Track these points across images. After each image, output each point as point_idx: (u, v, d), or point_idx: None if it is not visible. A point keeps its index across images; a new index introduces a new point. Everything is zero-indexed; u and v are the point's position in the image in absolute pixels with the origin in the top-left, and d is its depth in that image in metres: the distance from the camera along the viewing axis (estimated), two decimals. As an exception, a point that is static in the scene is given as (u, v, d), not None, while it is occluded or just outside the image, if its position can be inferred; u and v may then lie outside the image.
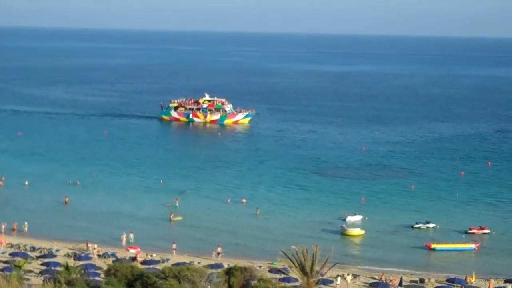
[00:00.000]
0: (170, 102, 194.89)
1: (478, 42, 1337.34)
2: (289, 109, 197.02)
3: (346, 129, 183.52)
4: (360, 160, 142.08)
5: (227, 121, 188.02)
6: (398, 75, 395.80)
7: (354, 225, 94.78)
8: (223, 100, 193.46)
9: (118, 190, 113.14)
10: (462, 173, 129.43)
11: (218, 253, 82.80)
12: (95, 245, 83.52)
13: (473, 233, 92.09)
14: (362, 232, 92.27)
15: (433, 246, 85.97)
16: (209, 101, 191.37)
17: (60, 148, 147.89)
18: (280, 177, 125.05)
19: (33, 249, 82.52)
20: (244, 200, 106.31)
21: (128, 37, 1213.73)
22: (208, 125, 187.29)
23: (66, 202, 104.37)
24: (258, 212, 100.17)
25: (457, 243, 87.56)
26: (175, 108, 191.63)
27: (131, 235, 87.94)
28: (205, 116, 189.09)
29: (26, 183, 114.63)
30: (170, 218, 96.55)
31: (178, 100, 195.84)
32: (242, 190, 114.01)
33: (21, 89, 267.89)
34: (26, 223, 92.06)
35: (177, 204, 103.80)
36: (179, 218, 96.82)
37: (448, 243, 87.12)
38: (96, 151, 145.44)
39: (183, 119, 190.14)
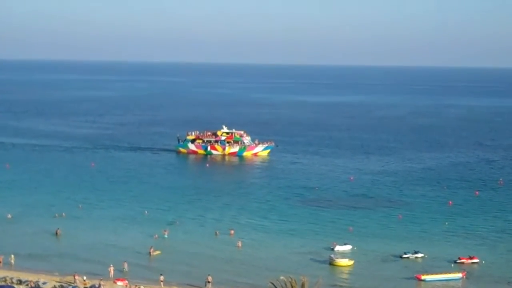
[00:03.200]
0: (187, 135, 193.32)
1: (464, 73, 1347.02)
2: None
3: (334, 159, 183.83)
4: (348, 189, 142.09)
5: (246, 153, 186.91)
6: (384, 106, 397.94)
7: (342, 255, 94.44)
8: (242, 132, 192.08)
9: (105, 222, 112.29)
10: (450, 202, 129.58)
11: (209, 282, 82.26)
12: (84, 277, 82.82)
13: (462, 262, 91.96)
14: (351, 262, 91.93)
15: (423, 277, 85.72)
16: (227, 133, 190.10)
17: (46, 180, 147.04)
18: (267, 207, 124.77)
19: (20, 282, 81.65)
20: (232, 232, 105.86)
21: (113, 68, 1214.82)
22: (226, 157, 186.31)
23: (57, 234, 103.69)
24: (240, 245, 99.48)
25: (446, 273, 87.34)
26: (193, 141, 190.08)
27: (125, 264, 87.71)
28: (224, 149, 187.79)
29: (9, 215, 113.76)
30: (149, 253, 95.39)
31: (195, 132, 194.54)
32: (230, 221, 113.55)
33: (6, 121, 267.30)
34: (12, 255, 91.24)
35: (166, 236, 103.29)
36: (158, 252, 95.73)
37: (437, 273, 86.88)
38: (84, 183, 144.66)
39: (201, 151, 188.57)
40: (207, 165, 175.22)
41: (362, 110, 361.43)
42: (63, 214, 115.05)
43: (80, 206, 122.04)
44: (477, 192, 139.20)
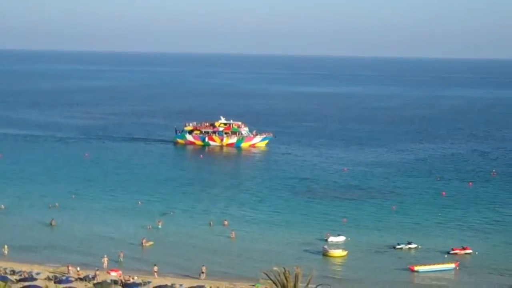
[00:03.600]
0: (185, 126, 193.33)
1: (456, 64, 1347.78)
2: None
3: (327, 150, 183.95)
4: (341, 181, 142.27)
5: (244, 144, 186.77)
6: (377, 97, 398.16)
7: (336, 246, 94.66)
8: (239, 123, 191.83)
9: (98, 213, 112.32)
10: (444, 193, 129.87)
11: (203, 272, 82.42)
12: (78, 268, 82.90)
13: (456, 253, 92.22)
14: (344, 253, 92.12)
15: (416, 268, 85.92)
16: (225, 124, 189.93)
17: (40, 171, 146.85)
18: (261, 198, 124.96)
19: (13, 272, 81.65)
20: (226, 222, 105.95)
21: (110, 59, 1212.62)
22: (224, 148, 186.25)
23: (52, 224, 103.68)
24: (233, 235, 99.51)
25: (439, 263, 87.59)
26: (190, 132, 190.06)
27: (121, 254, 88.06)
28: (222, 140, 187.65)
29: (2, 206, 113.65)
30: (142, 243, 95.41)
31: (193, 123, 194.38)
32: (223, 212, 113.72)
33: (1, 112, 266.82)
34: (6, 246, 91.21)
35: (160, 226, 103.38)
36: (151, 243, 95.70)
37: (430, 264, 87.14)
38: (77, 174, 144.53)
39: (198, 142, 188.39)
40: (201, 156, 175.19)
41: (356, 101, 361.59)
42: (57, 204, 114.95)
43: (73, 196, 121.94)
44: (470, 183, 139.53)
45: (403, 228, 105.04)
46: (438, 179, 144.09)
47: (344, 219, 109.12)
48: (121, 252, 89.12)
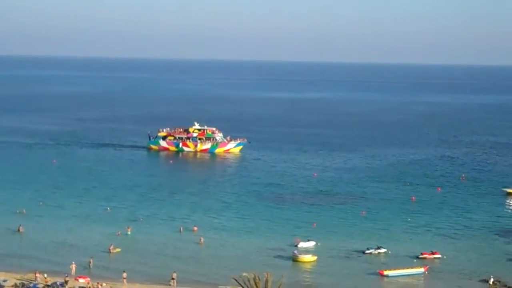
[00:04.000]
0: (158, 131, 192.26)
1: (427, 69, 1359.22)
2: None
3: (298, 156, 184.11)
4: (311, 186, 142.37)
5: (218, 150, 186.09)
6: (346, 102, 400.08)
7: (306, 251, 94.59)
8: (214, 129, 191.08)
9: (66, 219, 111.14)
10: (413, 198, 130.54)
11: (173, 279, 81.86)
12: (45, 275, 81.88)
13: (425, 257, 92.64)
14: (314, 258, 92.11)
15: (385, 272, 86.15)
16: (199, 130, 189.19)
17: (6, 177, 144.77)
18: (231, 204, 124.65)
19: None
20: (195, 228, 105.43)
21: (79, 64, 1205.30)
22: (198, 154, 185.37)
23: (19, 231, 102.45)
24: (201, 241, 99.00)
25: (408, 268, 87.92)
26: (164, 138, 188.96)
27: (91, 260, 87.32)
28: (196, 146, 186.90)
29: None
30: (109, 250, 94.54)
31: (167, 129, 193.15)
32: (193, 218, 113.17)
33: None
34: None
35: (129, 232, 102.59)
36: (118, 250, 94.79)
37: (399, 268, 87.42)
38: (45, 180, 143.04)
39: (172, 148, 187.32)
40: (171, 161, 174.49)
41: (326, 107, 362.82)
42: (24, 211, 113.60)
43: (40, 203, 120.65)
44: (439, 189, 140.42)
45: (373, 233, 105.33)
46: (408, 184, 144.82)
47: (314, 224, 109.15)
48: (91, 258, 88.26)
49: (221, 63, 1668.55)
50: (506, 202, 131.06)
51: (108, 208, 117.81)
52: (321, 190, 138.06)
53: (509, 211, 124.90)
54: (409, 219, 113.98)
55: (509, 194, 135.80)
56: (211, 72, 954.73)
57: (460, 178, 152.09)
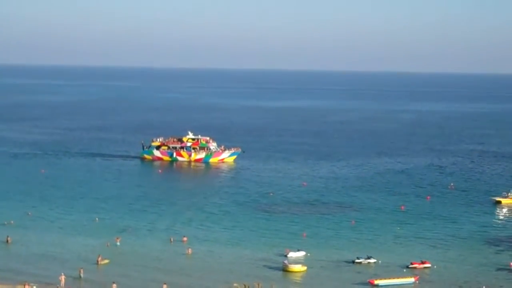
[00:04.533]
0: (152, 141, 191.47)
1: (416, 77, 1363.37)
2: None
3: (287, 165, 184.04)
4: (301, 195, 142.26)
5: (212, 160, 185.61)
6: (336, 111, 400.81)
7: (296, 261, 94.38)
8: (208, 138, 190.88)
9: (55, 230, 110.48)
10: (403, 207, 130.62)
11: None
12: (34, 286, 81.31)
13: (415, 267, 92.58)
14: (304, 268, 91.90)
15: (376, 282, 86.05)
16: (193, 139, 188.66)
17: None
18: (220, 214, 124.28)
19: (-33, 292, 79.88)
20: (185, 239, 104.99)
21: (66, 73, 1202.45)
22: (192, 164, 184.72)
23: (7, 242, 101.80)
24: (189, 252, 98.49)
25: (398, 277, 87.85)
26: (158, 147, 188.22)
27: (81, 271, 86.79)
28: (190, 155, 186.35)
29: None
30: (97, 261, 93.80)
31: (160, 139, 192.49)
32: (183, 228, 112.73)
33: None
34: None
35: (118, 243, 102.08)
36: (106, 261, 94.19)
37: (390, 278, 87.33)
38: (33, 190, 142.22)
39: (166, 158, 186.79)
40: (160, 171, 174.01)
41: (316, 115, 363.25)
42: (12, 222, 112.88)
43: (29, 213, 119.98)
44: (428, 197, 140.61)
45: (363, 243, 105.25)
46: (397, 193, 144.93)
47: (304, 234, 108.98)
48: (81, 268, 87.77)
49: (209, 71, 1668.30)
50: (495, 211, 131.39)
51: (96, 219, 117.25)
52: (311, 200, 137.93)
53: (498, 220, 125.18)
54: (398, 228, 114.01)
55: (497, 202, 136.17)
56: (199, 81, 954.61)
57: (449, 187, 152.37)
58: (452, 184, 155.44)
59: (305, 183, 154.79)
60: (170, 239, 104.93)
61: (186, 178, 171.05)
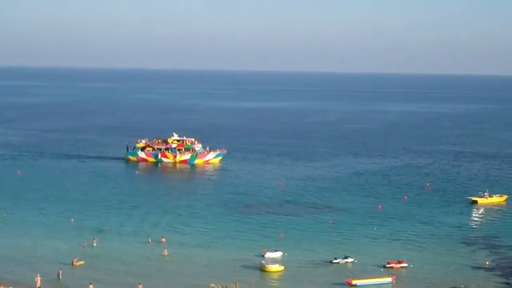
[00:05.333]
0: (136, 142, 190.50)
1: (392, 79, 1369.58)
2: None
3: (265, 165, 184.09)
4: (279, 196, 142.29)
5: (198, 161, 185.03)
6: (313, 111, 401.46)
7: (273, 261, 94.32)
8: (193, 139, 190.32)
9: (31, 231, 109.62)
10: (379, 207, 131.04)
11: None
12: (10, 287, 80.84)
13: (391, 267, 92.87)
14: (282, 268, 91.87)
15: (354, 282, 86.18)
16: (178, 140, 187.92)
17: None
18: (199, 214, 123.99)
19: None
20: (163, 239, 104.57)
21: (43, 74, 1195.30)
22: (178, 165, 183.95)
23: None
24: (165, 253, 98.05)
25: (376, 277, 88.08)
26: (142, 149, 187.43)
27: (60, 272, 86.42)
28: (175, 156, 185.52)
29: None
30: (72, 263, 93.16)
31: (145, 140, 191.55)
32: (161, 229, 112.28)
33: None
34: None
35: (95, 244, 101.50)
36: (82, 262, 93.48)
37: (367, 278, 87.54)
38: (8, 191, 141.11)
39: (151, 159, 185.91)
40: (136, 172, 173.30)
41: (293, 116, 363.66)
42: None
43: (4, 215, 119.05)
44: (405, 197, 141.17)
45: (340, 243, 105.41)
46: (374, 193, 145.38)
47: (282, 234, 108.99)
48: (60, 270, 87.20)
49: (187, 73, 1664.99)
50: (471, 210, 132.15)
51: (72, 220, 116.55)
52: (288, 200, 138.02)
53: (474, 219, 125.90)
54: (375, 229, 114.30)
55: (474, 202, 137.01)
56: (177, 82, 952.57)
57: (426, 187, 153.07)
58: (428, 184, 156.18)
59: (282, 184, 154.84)
60: (148, 240, 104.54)
61: (164, 179, 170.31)
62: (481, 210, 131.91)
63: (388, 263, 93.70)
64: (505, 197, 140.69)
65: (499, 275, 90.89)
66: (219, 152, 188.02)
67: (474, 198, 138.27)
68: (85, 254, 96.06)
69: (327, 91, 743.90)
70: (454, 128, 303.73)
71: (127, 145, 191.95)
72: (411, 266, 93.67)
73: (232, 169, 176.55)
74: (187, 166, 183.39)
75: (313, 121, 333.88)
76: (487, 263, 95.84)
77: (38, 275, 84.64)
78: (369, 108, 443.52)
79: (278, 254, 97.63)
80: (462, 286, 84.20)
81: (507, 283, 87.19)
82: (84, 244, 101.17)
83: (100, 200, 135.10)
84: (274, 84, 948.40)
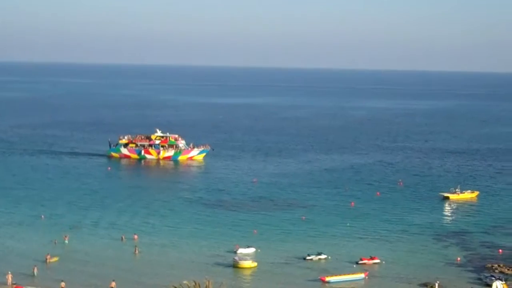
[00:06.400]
0: (119, 139, 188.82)
1: (367, 75, 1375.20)
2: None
3: (237, 161, 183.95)
4: (252, 192, 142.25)
5: (182, 158, 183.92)
6: (287, 107, 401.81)
7: (246, 257, 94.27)
8: (176, 136, 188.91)
9: (3, 227, 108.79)
10: (352, 203, 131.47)
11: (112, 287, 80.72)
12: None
13: (364, 263, 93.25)
14: (254, 264, 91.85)
15: (327, 279, 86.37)
16: (161, 137, 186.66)
17: None
18: (171, 211, 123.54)
19: None
20: (136, 237, 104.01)
21: (16, 69, 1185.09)
22: (161, 162, 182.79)
23: None
24: (136, 251, 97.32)
25: (349, 274, 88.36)
26: (125, 145, 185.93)
27: (35, 269, 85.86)
28: (158, 153, 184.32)
29: None
30: (46, 259, 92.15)
31: (128, 136, 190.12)
32: (134, 226, 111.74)
33: None
34: None
35: (66, 241, 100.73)
36: (55, 259, 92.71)
37: (340, 274, 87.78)
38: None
39: (134, 156, 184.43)
40: (109, 168, 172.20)
41: (265, 112, 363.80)
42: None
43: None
44: (378, 193, 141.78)
45: (313, 239, 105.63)
46: (347, 189, 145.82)
47: (255, 231, 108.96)
48: (35, 266, 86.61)
49: (162, 68, 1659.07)
50: (443, 206, 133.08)
51: (42, 216, 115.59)
52: (261, 196, 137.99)
53: (446, 215, 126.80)
54: (348, 225, 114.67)
55: (446, 198, 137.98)
56: (151, 78, 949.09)
57: (398, 183, 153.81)
58: (400, 180, 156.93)
59: (255, 180, 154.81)
60: (122, 237, 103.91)
61: (136, 175, 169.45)
62: (453, 206, 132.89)
63: (361, 259, 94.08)
64: (476, 193, 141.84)
65: (471, 271, 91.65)
66: (203, 148, 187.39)
67: (446, 194, 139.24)
68: (56, 251, 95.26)
69: (301, 87, 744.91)
70: (426, 125, 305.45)
71: (109, 141, 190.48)
72: (384, 262, 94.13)
73: (212, 166, 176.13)
74: (171, 162, 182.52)
75: (285, 117, 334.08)
76: (459, 258, 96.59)
77: (9, 272, 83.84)
78: (343, 104, 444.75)
79: (251, 250, 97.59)
80: (438, 282, 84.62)
81: (479, 279, 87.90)
82: (55, 241, 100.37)
83: (72, 196, 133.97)
84: (250, 80, 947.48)
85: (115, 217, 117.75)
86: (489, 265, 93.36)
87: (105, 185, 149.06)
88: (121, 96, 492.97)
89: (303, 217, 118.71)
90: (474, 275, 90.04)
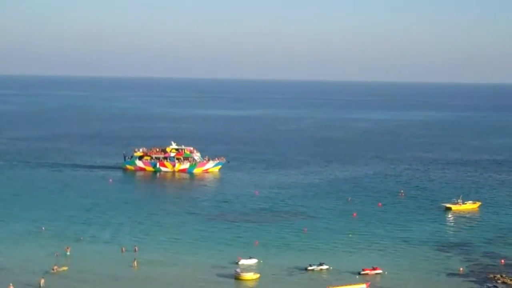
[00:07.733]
0: (134, 151, 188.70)
1: (369, 86, 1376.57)
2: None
3: (238, 173, 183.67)
4: (253, 204, 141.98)
5: (197, 170, 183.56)
6: (286, 119, 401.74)
7: (248, 268, 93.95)
8: (191, 148, 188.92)
9: (2, 240, 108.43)
10: (355, 214, 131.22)
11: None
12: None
13: (366, 273, 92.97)
14: (257, 276, 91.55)
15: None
16: (176, 149, 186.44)
17: None
18: (172, 223, 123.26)
19: None
20: (136, 248, 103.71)
21: (15, 82, 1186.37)
22: (177, 174, 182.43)
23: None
24: (135, 264, 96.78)
25: (351, 284, 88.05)
26: (140, 158, 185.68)
27: (42, 281, 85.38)
28: (173, 166, 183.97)
29: None
30: (53, 269, 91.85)
31: (143, 149, 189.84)
32: (135, 238, 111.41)
33: None
34: None
35: (68, 253, 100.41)
36: (64, 268, 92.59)
37: (343, 285, 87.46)
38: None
39: (149, 168, 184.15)
40: (111, 180, 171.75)
41: (266, 124, 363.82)
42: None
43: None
44: (380, 204, 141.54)
45: (315, 250, 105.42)
46: (349, 200, 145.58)
47: (256, 242, 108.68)
48: (42, 278, 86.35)
49: (158, 81, 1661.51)
50: (445, 217, 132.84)
51: (43, 228, 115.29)
52: (263, 208, 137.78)
53: (448, 226, 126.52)
54: (350, 235, 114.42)
55: (447, 209, 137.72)
56: (147, 90, 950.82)
57: (399, 194, 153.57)
58: (402, 191, 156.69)
59: (257, 192, 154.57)
60: (122, 249, 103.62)
61: (139, 187, 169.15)
62: (454, 217, 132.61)
63: (363, 270, 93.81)
64: (478, 203, 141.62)
65: (473, 281, 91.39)
66: (218, 161, 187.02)
67: (447, 205, 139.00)
68: (58, 263, 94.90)
69: (300, 99, 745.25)
70: (426, 136, 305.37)
71: (124, 154, 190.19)
72: (386, 273, 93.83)
73: (209, 177, 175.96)
74: (186, 175, 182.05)
75: (286, 129, 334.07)
76: (461, 269, 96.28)
77: (11, 284, 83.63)
78: (344, 116, 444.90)
79: (253, 262, 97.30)
80: None
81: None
82: (57, 253, 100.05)
83: (72, 208, 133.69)
84: (247, 92, 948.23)
85: (116, 229, 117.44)
86: (492, 276, 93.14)
87: (107, 197, 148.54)
88: (118, 108, 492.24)
89: (305, 229, 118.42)
90: (476, 285, 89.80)
